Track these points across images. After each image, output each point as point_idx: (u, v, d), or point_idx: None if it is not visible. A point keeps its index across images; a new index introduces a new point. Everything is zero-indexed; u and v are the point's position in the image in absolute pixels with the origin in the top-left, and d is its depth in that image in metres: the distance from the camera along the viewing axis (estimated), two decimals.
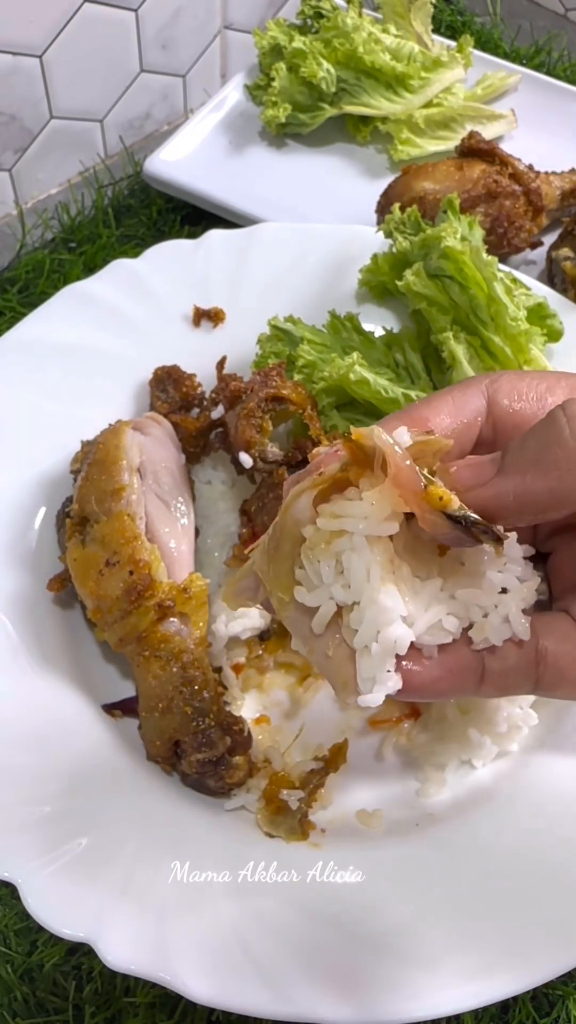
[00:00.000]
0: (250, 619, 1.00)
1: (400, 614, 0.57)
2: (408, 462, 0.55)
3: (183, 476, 1.07)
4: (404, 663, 0.59)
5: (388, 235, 1.22)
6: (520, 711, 0.94)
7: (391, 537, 0.58)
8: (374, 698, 0.58)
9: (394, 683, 0.58)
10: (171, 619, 0.94)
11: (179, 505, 1.03)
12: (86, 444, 1.05)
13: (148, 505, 0.99)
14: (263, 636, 1.03)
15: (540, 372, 0.64)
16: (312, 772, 0.93)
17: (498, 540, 0.55)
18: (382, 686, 0.58)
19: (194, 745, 0.90)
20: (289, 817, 0.90)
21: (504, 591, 0.59)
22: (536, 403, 0.60)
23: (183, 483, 1.06)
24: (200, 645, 0.94)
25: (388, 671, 0.58)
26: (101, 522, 0.96)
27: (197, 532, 1.06)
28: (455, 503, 0.54)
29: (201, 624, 0.95)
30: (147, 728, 0.92)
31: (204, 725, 0.90)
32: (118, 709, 0.97)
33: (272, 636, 1.02)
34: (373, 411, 1.09)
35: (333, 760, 0.93)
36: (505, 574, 0.59)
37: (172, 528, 1.01)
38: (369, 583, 0.57)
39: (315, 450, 0.62)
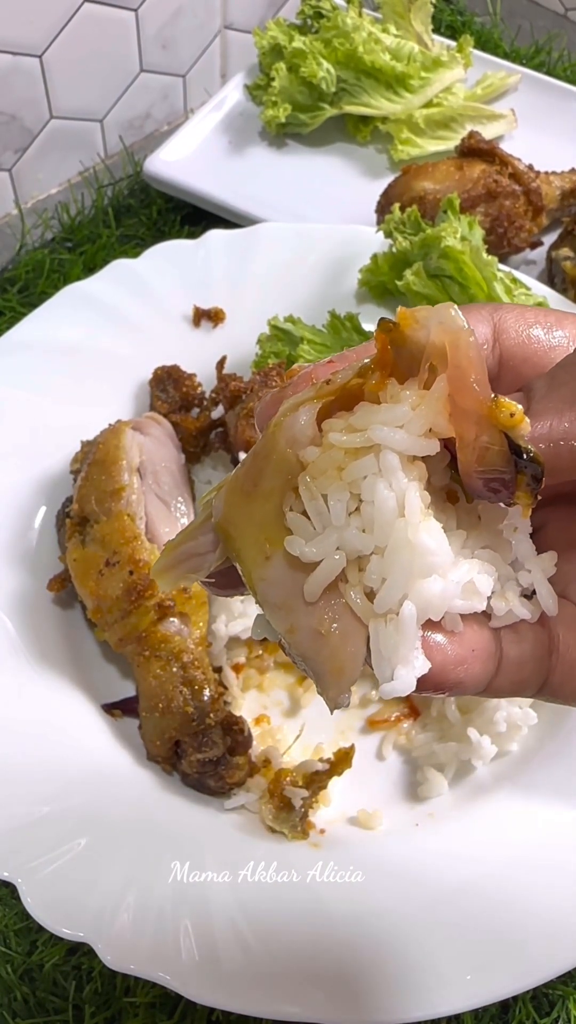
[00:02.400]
0: (251, 619, 1.00)
1: (444, 559, 0.42)
2: (485, 353, 0.40)
3: (183, 476, 1.07)
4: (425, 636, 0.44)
5: (388, 235, 1.22)
6: (520, 711, 0.94)
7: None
8: (401, 685, 0.42)
9: (422, 663, 0.43)
10: (171, 619, 0.94)
11: (179, 505, 1.03)
12: (86, 444, 1.05)
13: (148, 505, 0.99)
14: None
15: (542, 308, 0.58)
16: (316, 773, 0.92)
17: (535, 496, 0.43)
18: (407, 668, 0.42)
19: (194, 745, 0.90)
20: (292, 814, 0.90)
21: (514, 561, 0.48)
22: (546, 335, 0.52)
23: (183, 483, 1.06)
24: (200, 645, 0.94)
25: (416, 648, 0.43)
26: (101, 522, 0.96)
27: None
28: (527, 426, 0.42)
29: (201, 624, 0.95)
30: (147, 728, 0.92)
31: (204, 725, 0.90)
32: (118, 709, 0.97)
33: None
34: None
35: (338, 764, 0.93)
36: (516, 541, 0.48)
37: (172, 528, 1.01)
38: (404, 519, 0.42)
39: (294, 366, 0.48)
